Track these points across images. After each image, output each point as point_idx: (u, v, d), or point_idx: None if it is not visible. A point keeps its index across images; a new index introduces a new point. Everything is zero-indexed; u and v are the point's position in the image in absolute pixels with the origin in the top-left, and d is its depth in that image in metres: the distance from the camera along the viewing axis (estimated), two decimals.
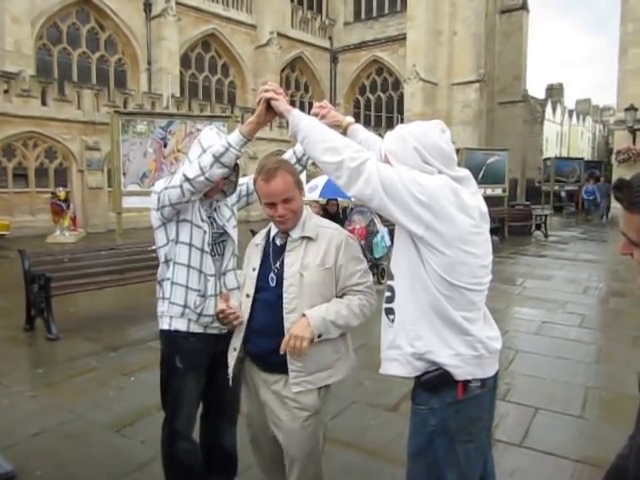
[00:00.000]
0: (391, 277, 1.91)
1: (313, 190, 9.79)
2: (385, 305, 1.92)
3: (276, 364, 2.07)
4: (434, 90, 28.45)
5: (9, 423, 3.60)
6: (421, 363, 1.81)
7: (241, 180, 2.69)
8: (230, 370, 2.24)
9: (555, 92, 54.80)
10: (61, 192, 15.03)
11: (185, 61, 25.61)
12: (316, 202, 10.08)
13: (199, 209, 2.44)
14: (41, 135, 16.92)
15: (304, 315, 2.01)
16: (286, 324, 2.04)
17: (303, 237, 2.10)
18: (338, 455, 3.28)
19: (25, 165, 16.96)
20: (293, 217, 2.08)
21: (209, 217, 2.49)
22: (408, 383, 1.97)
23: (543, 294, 8.13)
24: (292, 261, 2.08)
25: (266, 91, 2.05)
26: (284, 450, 2.16)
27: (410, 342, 1.81)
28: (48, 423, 3.71)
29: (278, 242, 2.16)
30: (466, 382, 1.78)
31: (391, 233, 8.63)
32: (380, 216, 8.07)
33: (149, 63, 23.42)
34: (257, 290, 2.15)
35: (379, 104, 33.28)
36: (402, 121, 28.82)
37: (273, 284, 2.11)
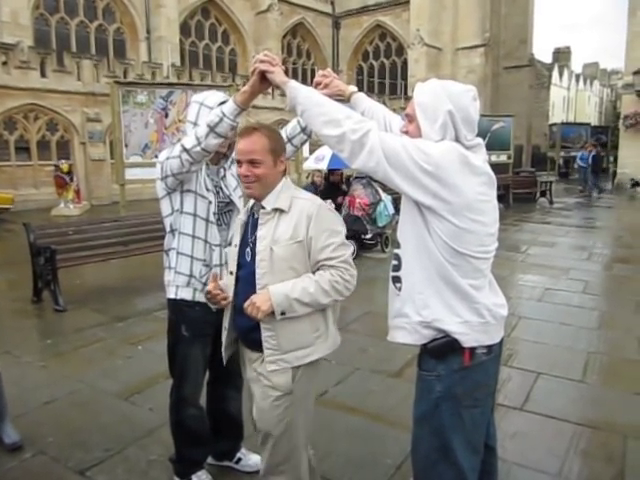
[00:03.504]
0: (397, 246, 1.91)
1: (320, 160, 9.66)
2: (392, 273, 1.93)
3: (256, 341, 2.02)
4: (438, 55, 27.96)
5: (21, 392, 3.67)
6: (428, 331, 1.82)
7: None
8: (223, 349, 2.21)
9: (562, 56, 53.63)
10: (64, 165, 14.97)
11: (185, 29, 25.15)
12: (319, 172, 9.99)
13: (204, 179, 2.44)
14: (42, 107, 16.77)
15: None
16: None
17: (275, 209, 2.00)
18: (342, 419, 3.36)
19: (27, 138, 16.87)
20: (258, 184, 1.98)
21: (215, 186, 2.50)
22: (411, 350, 1.99)
23: (547, 261, 8.14)
24: (264, 235, 1.99)
25: (261, 62, 1.99)
26: (256, 424, 2.13)
27: (417, 310, 1.82)
28: (58, 392, 3.79)
29: (256, 215, 2.07)
30: (473, 349, 1.80)
31: (394, 201, 8.62)
32: (382, 184, 8.03)
33: (148, 32, 23.02)
34: (239, 267, 2.09)
35: (382, 70, 32.76)
36: (406, 88, 28.45)
37: (249, 259, 2.04)
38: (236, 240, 2.14)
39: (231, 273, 2.12)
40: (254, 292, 1.97)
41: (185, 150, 2.23)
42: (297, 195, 2.04)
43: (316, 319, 2.02)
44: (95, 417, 3.43)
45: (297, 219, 1.97)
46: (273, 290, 1.92)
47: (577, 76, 56.00)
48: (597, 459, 2.98)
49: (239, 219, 2.17)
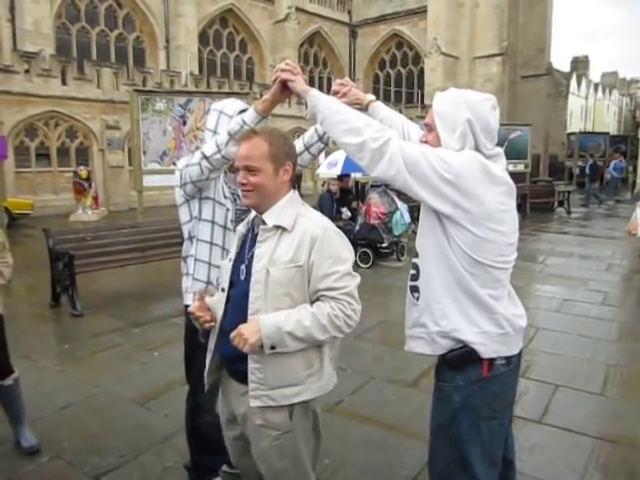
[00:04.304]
0: (416, 255, 1.89)
1: (333, 166, 9.59)
2: (410, 283, 1.91)
3: (241, 373, 1.84)
4: (455, 64, 27.89)
5: (38, 396, 3.71)
6: (446, 341, 1.80)
7: None
8: (206, 373, 2.01)
9: (580, 65, 53.22)
10: (83, 171, 15.19)
11: (203, 38, 25.45)
12: (334, 179, 10.00)
13: (222, 186, 2.46)
14: (62, 114, 17.06)
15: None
16: None
17: (277, 226, 1.81)
18: (357, 429, 3.33)
19: (47, 145, 17.16)
20: (255, 193, 1.82)
21: (233, 194, 2.51)
22: (427, 359, 1.97)
23: (565, 271, 8.04)
24: (262, 253, 1.80)
25: (282, 71, 1.98)
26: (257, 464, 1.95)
27: (435, 320, 1.80)
28: (75, 396, 3.82)
29: (256, 229, 1.89)
30: (491, 360, 1.78)
31: (410, 210, 8.59)
32: (398, 192, 8.01)
33: (167, 41, 23.35)
34: (231, 284, 1.91)
35: (399, 79, 32.78)
36: (422, 96, 28.41)
37: (242, 277, 1.86)
38: (232, 254, 1.97)
39: (222, 290, 1.94)
40: (243, 316, 1.79)
41: (205, 157, 2.24)
42: (303, 213, 1.86)
43: (311, 355, 1.82)
44: (111, 422, 3.45)
45: (300, 240, 1.78)
46: (264, 321, 1.72)
47: (595, 85, 55.49)
48: (617, 474, 2.92)
49: (238, 231, 2.01)
